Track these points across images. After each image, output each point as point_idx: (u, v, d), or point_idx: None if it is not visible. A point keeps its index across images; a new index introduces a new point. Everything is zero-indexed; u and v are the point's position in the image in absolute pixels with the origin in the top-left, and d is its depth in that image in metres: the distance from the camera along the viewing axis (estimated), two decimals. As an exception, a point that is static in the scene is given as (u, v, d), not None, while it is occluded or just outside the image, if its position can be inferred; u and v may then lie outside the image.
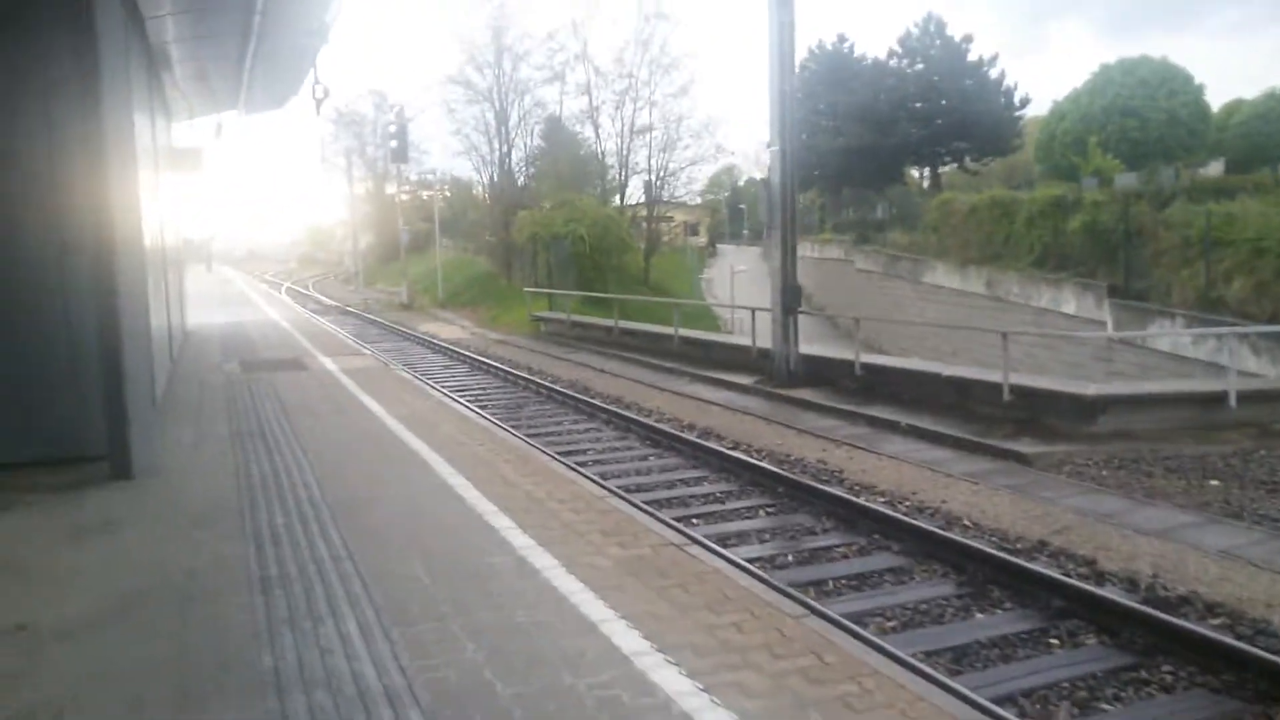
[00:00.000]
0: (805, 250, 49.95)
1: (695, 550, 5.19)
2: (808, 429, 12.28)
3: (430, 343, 24.37)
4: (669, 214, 50.08)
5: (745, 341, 17.07)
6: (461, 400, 13.36)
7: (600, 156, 41.59)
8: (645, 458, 11.22)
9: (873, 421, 12.38)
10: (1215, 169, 26.38)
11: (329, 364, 14.11)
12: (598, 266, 31.19)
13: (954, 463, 10.33)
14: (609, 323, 22.47)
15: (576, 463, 10.54)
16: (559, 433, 12.74)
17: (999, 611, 6.38)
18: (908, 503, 8.93)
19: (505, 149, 39.44)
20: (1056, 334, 23.13)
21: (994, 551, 7.15)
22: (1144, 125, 42.12)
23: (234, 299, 37.37)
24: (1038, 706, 5.10)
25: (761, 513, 8.86)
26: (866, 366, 13.87)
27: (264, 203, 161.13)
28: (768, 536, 8.11)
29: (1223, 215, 20.47)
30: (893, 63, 47.58)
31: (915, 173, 51.98)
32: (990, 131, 43.46)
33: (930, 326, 30.17)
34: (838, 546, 7.79)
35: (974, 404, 12.29)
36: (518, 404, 15.24)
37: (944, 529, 7.90)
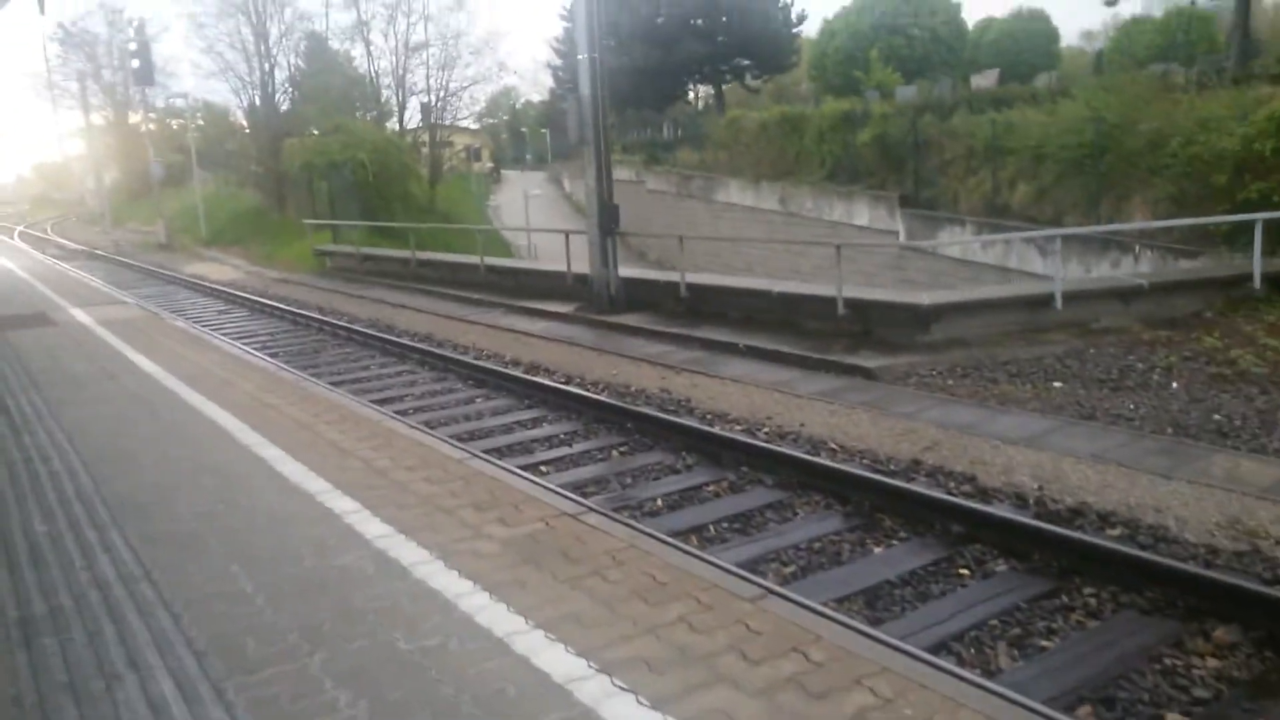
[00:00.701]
0: (594, 172, 49.38)
1: (594, 519, 4.31)
2: (641, 356, 11.58)
3: (201, 286, 21.87)
4: (450, 139, 47.76)
5: (559, 267, 16.11)
6: (251, 349, 11.73)
7: (374, 77, 38.73)
8: (471, 400, 10.17)
9: (707, 344, 11.83)
10: (990, 79, 27.40)
11: (82, 316, 12.04)
12: (382, 195, 29.07)
13: (800, 382, 9.92)
14: (404, 254, 20.85)
15: (396, 411, 9.38)
16: (368, 379, 11.44)
17: (897, 543, 5.91)
18: (765, 429, 8.41)
19: (268, 68, 35.91)
20: (888, 246, 23.45)
21: (874, 476, 6.68)
22: (910, 43, 43.69)
23: (-47, 247, 32.51)
24: (973, 651, 4.64)
25: (614, 453, 8.08)
26: (692, 287, 13.28)
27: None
28: (629, 480, 7.34)
29: (1004, 125, 21.23)
30: (672, -22, 46.87)
31: (695, 93, 51.93)
32: (770, 48, 43.81)
33: (747, 244, 30.19)
34: (707, 485, 7.13)
35: (805, 320, 11.97)
36: (314, 349, 13.69)
37: (812, 455, 7.41)
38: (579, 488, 7.11)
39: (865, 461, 7.38)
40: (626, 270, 14.40)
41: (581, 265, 15.24)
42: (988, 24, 49.57)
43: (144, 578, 3.70)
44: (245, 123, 42.14)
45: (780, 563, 5.74)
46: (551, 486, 5.72)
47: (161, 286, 22.92)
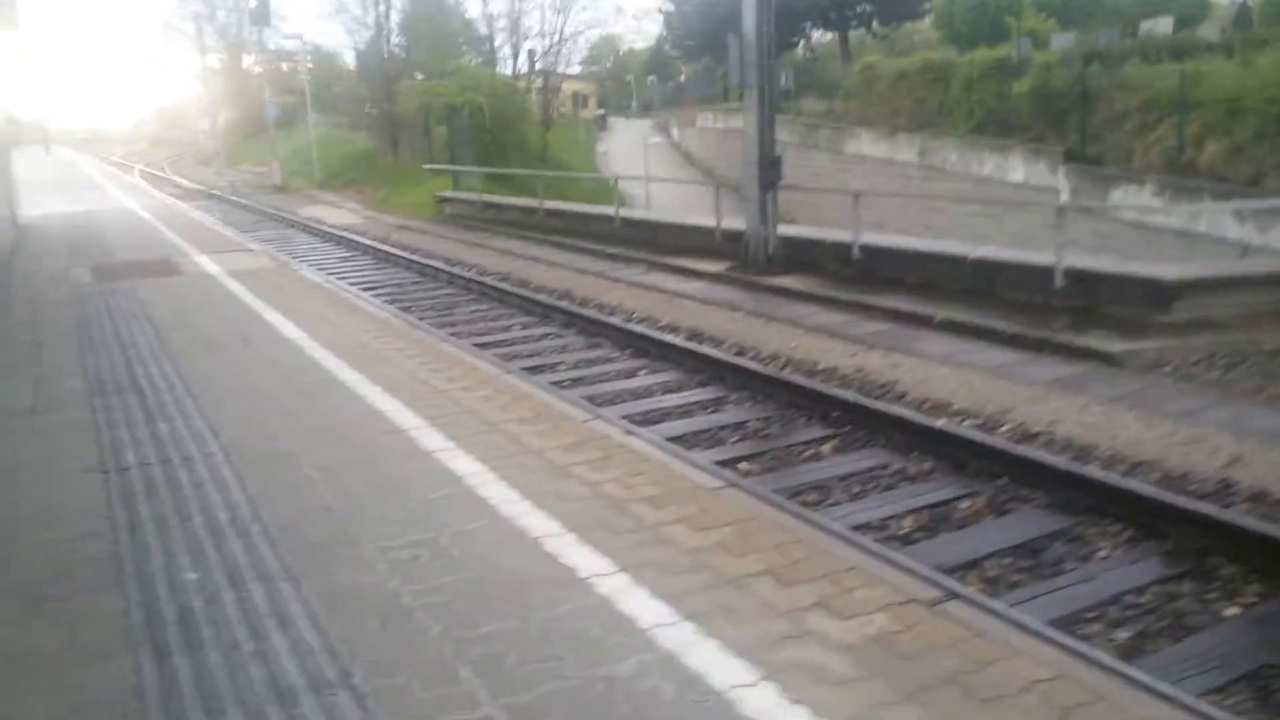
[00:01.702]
0: (708, 121, 47.32)
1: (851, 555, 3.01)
2: (817, 326, 10.20)
3: (320, 230, 21.15)
4: (559, 85, 46.43)
5: (707, 222, 14.73)
6: (390, 308, 10.71)
7: (490, 19, 37.53)
8: (633, 373, 8.97)
9: (892, 315, 10.38)
10: (1163, 26, 24.77)
11: (209, 265, 11.19)
12: (498, 141, 27.98)
13: (1024, 367, 8.43)
14: (531, 202, 19.70)
15: (551, 381, 8.25)
16: (513, 341, 10.35)
17: (1257, 600, 4.50)
18: (1005, 426, 7.00)
19: (383, 9, 34.93)
20: (1115, 209, 21.43)
21: (1192, 505, 5.24)
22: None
23: (79, 184, 32.71)
24: None
25: (822, 448, 6.78)
26: (865, 249, 11.77)
27: (105, 78, 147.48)
28: (856, 489, 6.03)
29: (1193, 75, 18.94)
30: (798, -85, 44.30)
31: (807, 40, 49.42)
32: (902, -9, 41.07)
33: (879, 197, 28.24)
34: (959, 502, 5.78)
35: (1006, 290, 10.40)
36: (448, 304, 12.67)
37: (1083, 467, 5.98)
38: (797, 494, 5.87)
39: (1156, 477, 5.92)
40: (785, 228, 12.95)
41: (730, 221, 13.89)
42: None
43: (341, 681, 2.55)
44: (354, 66, 41.48)
45: (1109, 624, 4.40)
46: (783, 503, 4.45)
47: (280, 229, 22.32)
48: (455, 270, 14.81)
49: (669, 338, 9.82)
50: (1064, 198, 21.75)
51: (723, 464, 6.28)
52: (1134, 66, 21.45)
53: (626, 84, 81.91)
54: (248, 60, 63.28)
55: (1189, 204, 17.93)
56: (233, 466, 4.27)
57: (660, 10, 57.77)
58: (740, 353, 9.38)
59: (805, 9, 44.32)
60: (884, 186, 28.79)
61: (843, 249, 12.06)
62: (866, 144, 30.67)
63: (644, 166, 29.72)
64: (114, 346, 6.88)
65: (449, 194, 23.08)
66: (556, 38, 36.40)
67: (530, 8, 36.77)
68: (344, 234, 19.97)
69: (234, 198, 31.18)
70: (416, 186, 26.93)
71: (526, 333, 10.78)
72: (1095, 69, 21.75)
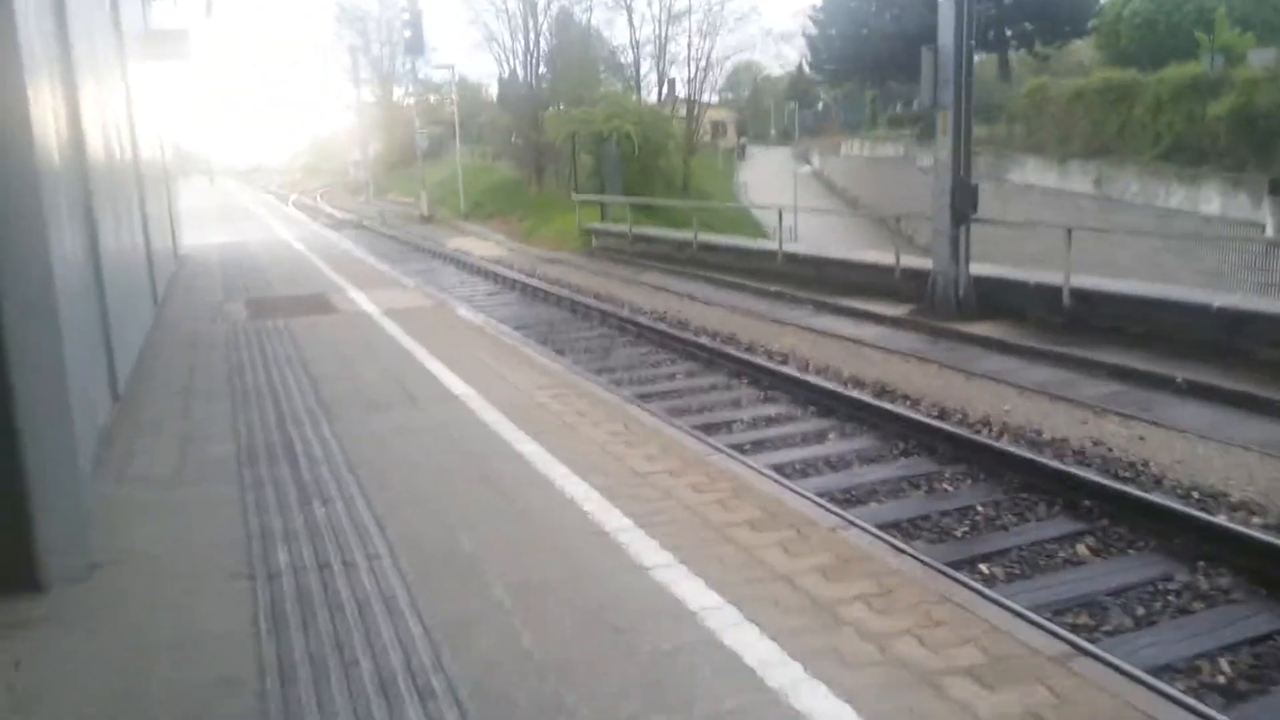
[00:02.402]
0: (853, 149, 45.82)
1: None
2: (1031, 385, 8.91)
3: (468, 264, 20.86)
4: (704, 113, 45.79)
5: (883, 259, 13.55)
6: (562, 359, 9.96)
7: (635, 46, 37.19)
8: (822, 437, 7.87)
9: (1118, 373, 9.00)
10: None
11: (364, 302, 10.70)
12: (644, 170, 27.33)
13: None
14: (684, 235, 18.89)
15: (730, 444, 7.26)
16: (678, 392, 9.42)
17: None
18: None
19: (534, 37, 34.97)
20: None
21: None
22: (1169, 15, 37.36)
23: (237, 214, 33.79)
24: None
25: (1083, 547, 5.56)
26: (1079, 293, 10.38)
27: (266, 112, 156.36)
28: (1154, 603, 4.82)
29: None
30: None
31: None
32: (1068, 9, 38.79)
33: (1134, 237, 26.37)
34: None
35: (1257, 346, 8.88)
36: (603, 346, 11.87)
37: None
38: (1061, 612, 4.73)
39: None
40: (979, 267, 11.66)
41: (911, 257, 12.69)
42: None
43: None
44: (496, 97, 41.81)
45: None
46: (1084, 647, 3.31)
47: (428, 261, 22.19)
48: (607, 308, 14.06)
49: (855, 393, 8.71)
50: (1269, 233, 19.60)
51: (956, 565, 5.17)
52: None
53: (764, 111, 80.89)
54: (398, 92, 65.36)
55: None
56: (404, 577, 3.44)
57: (804, 34, 56.48)
58: (942, 415, 8.20)
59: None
60: (1054, 217, 26.83)
61: (1049, 292, 10.72)
62: (1033, 172, 28.82)
63: (793, 197, 28.58)
64: (266, 398, 6.27)
65: (597, 226, 22.51)
66: (703, 63, 35.68)
67: (677, 32, 36.03)
68: (492, 267, 19.59)
69: (382, 228, 31.61)
70: (562, 217, 26.57)
71: (693, 382, 9.85)
72: (1309, 89, 19.62)
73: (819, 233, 29.07)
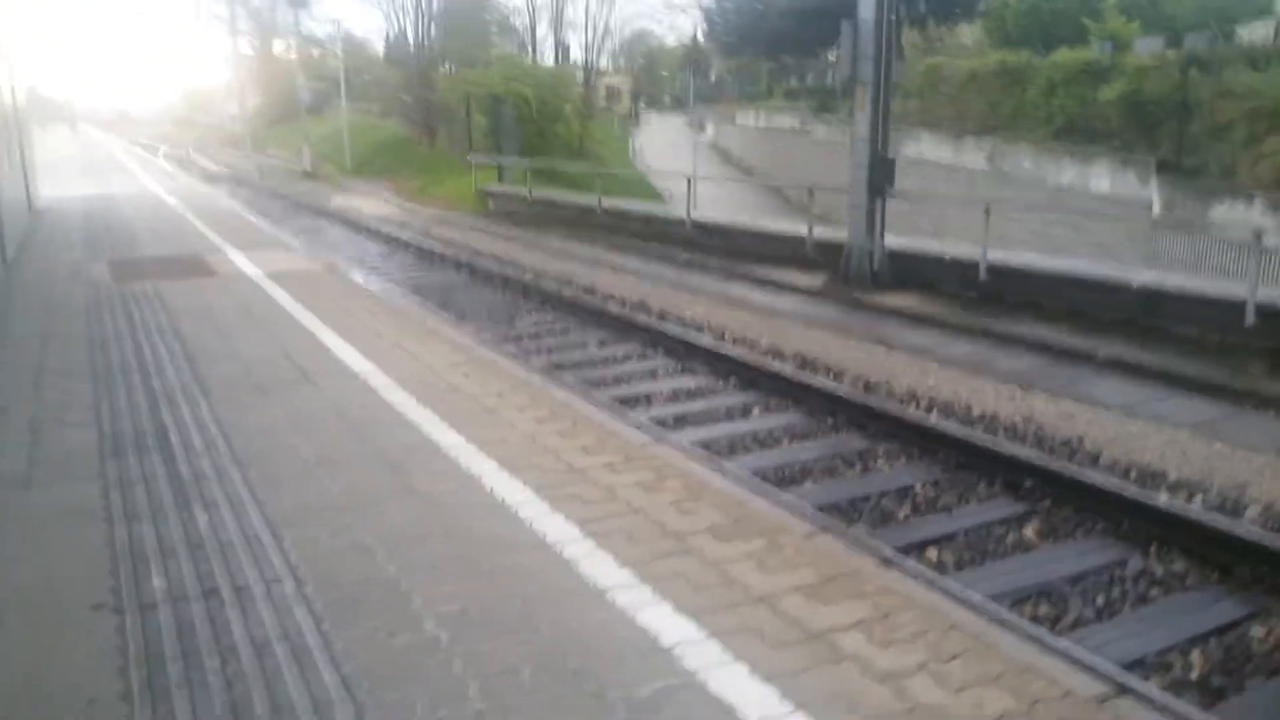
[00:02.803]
0: (748, 119, 45.73)
1: None
2: (953, 359, 8.73)
3: (357, 223, 19.75)
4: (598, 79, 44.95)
5: (794, 230, 13.25)
6: (465, 328, 9.29)
7: (532, 8, 36.09)
8: (747, 412, 7.47)
9: (1038, 348, 8.91)
10: (1261, 33, 23.04)
11: (246, 264, 9.77)
12: (542, 133, 26.44)
13: (1232, 424, 6.96)
14: (588, 200, 18.26)
15: (653, 418, 6.83)
16: (592, 363, 8.91)
17: None
18: (1252, 509, 5.51)
19: (425, -6, 33.42)
20: None
21: None
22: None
23: (103, 165, 31.52)
24: None
25: (1030, 530, 5.31)
26: (995, 268, 10.26)
27: (135, 59, 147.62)
28: (1113, 592, 4.58)
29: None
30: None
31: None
32: (961, -10, 39.30)
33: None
34: (1247, 624, 4.33)
35: (1175, 324, 8.89)
36: (508, 313, 11.22)
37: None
38: (1019, 602, 4.48)
39: None
40: (893, 240, 11.45)
41: (823, 227, 12.40)
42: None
43: None
44: (382, 54, 40.01)
45: None
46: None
47: (314, 219, 20.95)
48: (509, 272, 13.39)
49: (776, 366, 8.34)
50: (1156, 210, 20.16)
51: (904, 550, 4.84)
52: (1238, 73, 19.80)
53: (659, 79, 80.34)
54: (279, 46, 62.14)
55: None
56: (312, 610, 2.82)
57: (699, 6, 55.96)
58: (868, 389, 7.91)
59: (848, 4, 42.68)
60: (949, 191, 27.20)
61: (965, 267, 10.58)
62: (928, 147, 29.10)
63: (692, 164, 28.19)
64: (136, 376, 5.46)
65: (494, 188, 21.63)
66: (601, 29, 34.84)
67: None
68: (383, 227, 18.57)
69: (262, 183, 29.89)
70: (455, 178, 25.54)
71: (606, 352, 9.33)
72: (1195, 75, 20.11)
73: (717, 201, 28.78)
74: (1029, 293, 10.07)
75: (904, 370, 8.46)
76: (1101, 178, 21.70)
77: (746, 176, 41.43)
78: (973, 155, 26.51)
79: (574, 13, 36.49)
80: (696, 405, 7.58)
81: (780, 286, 11.89)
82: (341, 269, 10.03)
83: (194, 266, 9.57)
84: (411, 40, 34.75)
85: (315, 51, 51.46)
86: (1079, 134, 22.69)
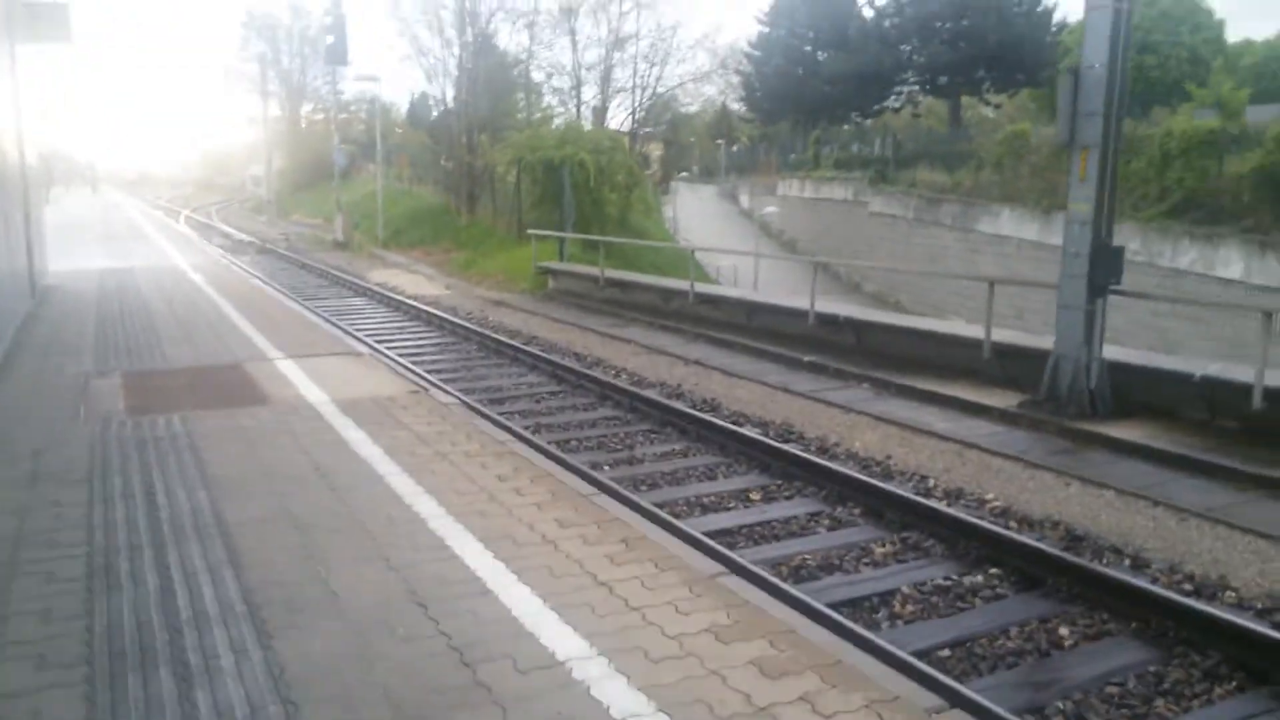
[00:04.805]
0: (790, 189, 43.67)
1: None
2: (1223, 519, 6.33)
3: (402, 304, 17.49)
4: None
5: (953, 329, 10.90)
6: (612, 486, 6.92)
7: (577, 69, 34.37)
8: (1052, 636, 5.04)
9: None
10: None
11: (302, 380, 7.45)
12: (596, 203, 24.31)
13: None
14: (670, 284, 16.01)
15: (913, 650, 4.46)
16: (768, 532, 6.48)
17: None
18: None
19: (468, 53, 31.61)
20: None
21: None
22: (1163, 64, 37.01)
23: (123, 232, 29.60)
24: None
25: None
26: (1273, 393, 7.83)
27: (157, 120, 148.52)
28: None
29: None
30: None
31: (917, 105, 45.96)
32: (1024, 56, 37.66)
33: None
34: None
35: None
36: (626, 441, 8.80)
37: None
38: None
39: None
40: (1109, 350, 9.07)
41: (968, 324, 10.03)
42: (1245, 46, 42.35)
43: None
44: (405, 115, 38.30)
45: None
46: None
47: (349, 299, 18.72)
48: (595, 374, 11.07)
49: (1030, 541, 5.93)
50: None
51: None
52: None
53: (686, 146, 78.97)
54: (306, 108, 61.15)
55: None
56: None
57: (736, 71, 54.51)
58: (1197, 591, 5.47)
59: (895, 69, 40.95)
60: (1035, 273, 24.86)
61: (1224, 389, 8.17)
62: (1008, 223, 26.95)
63: (753, 242, 26.03)
64: (164, 669, 3.10)
65: (556, 265, 19.41)
66: (649, 91, 33.04)
67: (622, 60, 33.36)
68: (432, 310, 16.31)
69: (292, 254, 27.84)
70: (503, 252, 23.44)
71: (779, 511, 6.89)
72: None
73: (769, 282, 26.55)
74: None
75: (1213, 548, 6.04)
76: (1232, 261, 19.41)
77: (789, 251, 39.32)
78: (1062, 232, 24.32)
79: (622, 74, 34.70)
80: (973, 621, 5.16)
81: (960, 407, 9.50)
82: (433, 392, 7.64)
83: (235, 386, 7.26)
84: (451, 101, 32.92)
85: (341, 115, 50.20)
86: (1200, 211, 20.47)
